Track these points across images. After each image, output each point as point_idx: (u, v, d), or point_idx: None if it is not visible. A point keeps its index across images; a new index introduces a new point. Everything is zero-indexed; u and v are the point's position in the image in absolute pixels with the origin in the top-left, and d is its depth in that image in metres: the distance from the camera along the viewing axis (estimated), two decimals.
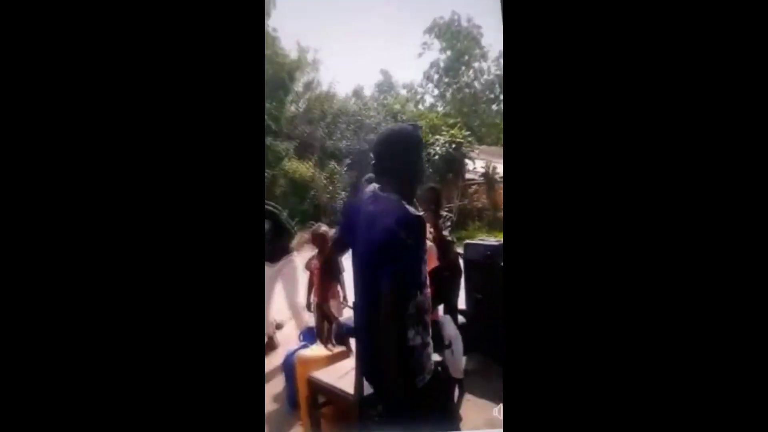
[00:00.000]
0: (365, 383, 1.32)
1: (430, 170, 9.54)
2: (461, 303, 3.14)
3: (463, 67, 19.04)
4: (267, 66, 11.23)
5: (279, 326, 3.60)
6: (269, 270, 3.19)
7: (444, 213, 2.97)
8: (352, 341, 2.41)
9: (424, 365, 1.24)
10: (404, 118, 12.82)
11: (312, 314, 3.15)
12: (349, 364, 1.97)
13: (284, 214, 3.52)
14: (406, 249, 1.14)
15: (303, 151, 12.38)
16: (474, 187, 10.66)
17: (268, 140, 11.23)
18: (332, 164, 11.88)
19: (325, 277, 1.87)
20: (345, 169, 11.48)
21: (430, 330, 1.24)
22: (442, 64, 19.27)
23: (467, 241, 3.52)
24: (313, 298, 3.15)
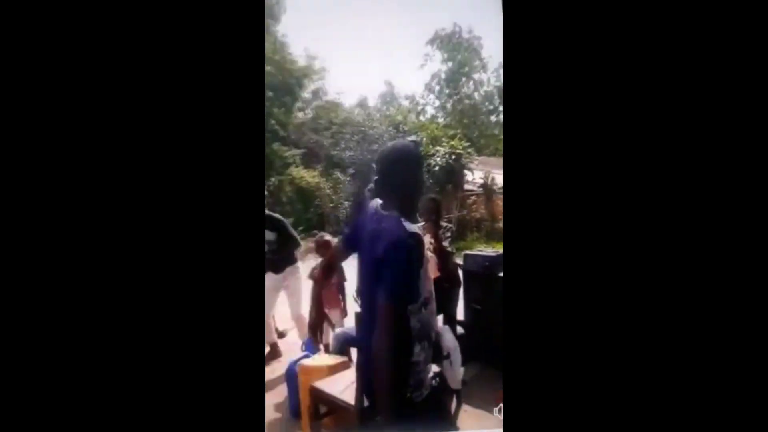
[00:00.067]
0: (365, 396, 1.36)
1: (431, 181, 9.57)
2: (459, 313, 3.17)
3: (464, 79, 19.13)
4: (275, 72, 11.29)
5: (282, 335, 3.60)
6: (274, 280, 3.20)
7: (444, 224, 3.01)
8: (353, 351, 2.45)
9: (423, 380, 1.29)
10: (406, 129, 12.88)
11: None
12: (351, 374, 1.99)
13: (290, 225, 3.52)
14: (403, 265, 1.20)
15: (309, 159, 12.43)
16: (473, 197, 10.67)
17: (276, 145, 11.29)
18: (337, 173, 11.93)
19: (326, 276, 1.90)
20: (348, 179, 11.53)
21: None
22: (443, 76, 19.36)
23: (466, 251, 3.54)
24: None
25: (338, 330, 2.82)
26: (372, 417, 1.24)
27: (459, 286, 3.13)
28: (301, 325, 3.35)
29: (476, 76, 19.30)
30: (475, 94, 19.23)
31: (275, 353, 3.38)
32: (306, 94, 13.72)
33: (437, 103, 19.91)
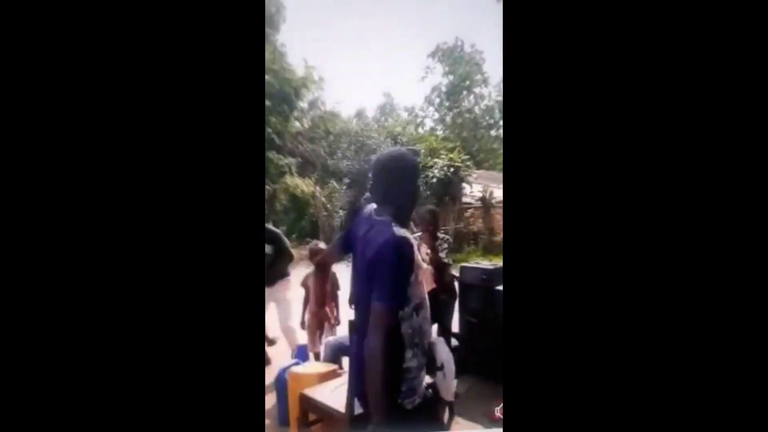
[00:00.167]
0: (356, 402, 1.34)
1: (428, 193, 9.61)
2: (454, 326, 3.16)
3: (464, 92, 19.32)
4: (274, 80, 11.34)
5: (272, 342, 3.59)
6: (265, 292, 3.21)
7: (441, 235, 3.00)
8: (344, 359, 2.43)
9: (415, 388, 1.27)
10: (404, 140, 12.98)
11: (305, 332, 3.16)
12: (341, 382, 1.97)
13: (285, 238, 3.55)
14: (392, 266, 1.19)
15: (304, 168, 12.48)
16: (470, 210, 10.71)
17: (271, 154, 11.32)
18: (332, 183, 11.97)
19: (321, 272, 1.85)
20: (344, 188, 11.57)
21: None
22: (443, 89, 19.56)
23: (464, 264, 3.54)
24: (307, 313, 3.17)
25: (330, 338, 2.81)
26: (363, 424, 1.21)
27: (455, 299, 3.12)
28: (290, 335, 3.38)
29: (477, 90, 19.54)
30: (476, 108, 19.43)
31: (265, 360, 3.36)
32: (303, 104, 13.78)
33: (437, 115, 20.11)
